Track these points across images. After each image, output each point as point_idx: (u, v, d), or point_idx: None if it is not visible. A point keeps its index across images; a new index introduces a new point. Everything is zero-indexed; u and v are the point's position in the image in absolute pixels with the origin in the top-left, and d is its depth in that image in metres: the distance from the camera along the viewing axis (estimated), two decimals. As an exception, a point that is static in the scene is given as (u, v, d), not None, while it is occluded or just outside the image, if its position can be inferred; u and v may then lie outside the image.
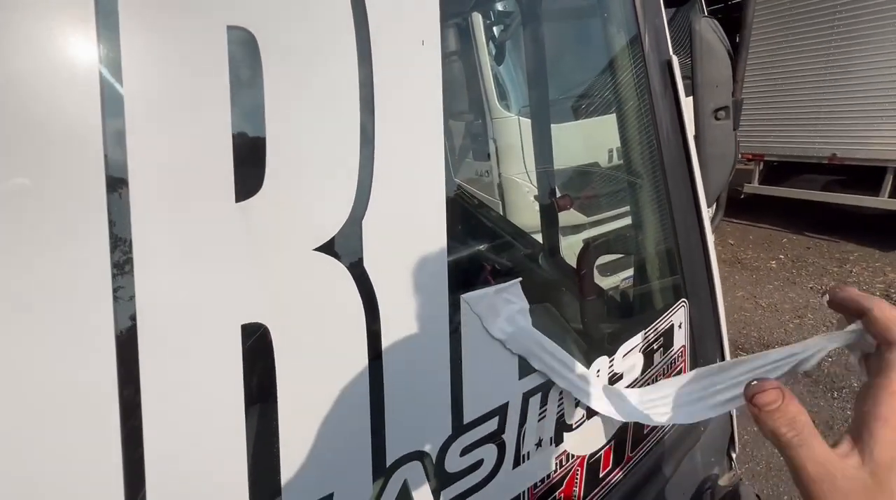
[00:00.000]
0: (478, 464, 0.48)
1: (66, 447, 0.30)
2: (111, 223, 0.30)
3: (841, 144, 4.04)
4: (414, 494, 0.44)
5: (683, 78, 0.77)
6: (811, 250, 4.19)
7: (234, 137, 0.34)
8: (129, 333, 0.32)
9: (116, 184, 0.30)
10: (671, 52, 0.65)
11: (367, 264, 0.40)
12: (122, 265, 0.31)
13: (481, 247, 0.80)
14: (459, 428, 0.46)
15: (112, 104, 0.30)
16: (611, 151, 2.30)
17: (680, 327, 0.65)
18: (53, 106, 0.28)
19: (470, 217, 0.95)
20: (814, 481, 0.27)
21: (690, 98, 0.81)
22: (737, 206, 4.89)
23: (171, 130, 0.32)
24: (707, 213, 0.74)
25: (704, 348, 0.70)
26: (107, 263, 0.30)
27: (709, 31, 0.82)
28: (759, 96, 4.58)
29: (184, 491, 0.34)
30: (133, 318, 0.32)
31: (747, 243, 4.48)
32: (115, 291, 0.31)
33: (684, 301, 0.66)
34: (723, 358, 0.74)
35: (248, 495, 0.37)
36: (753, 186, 4.81)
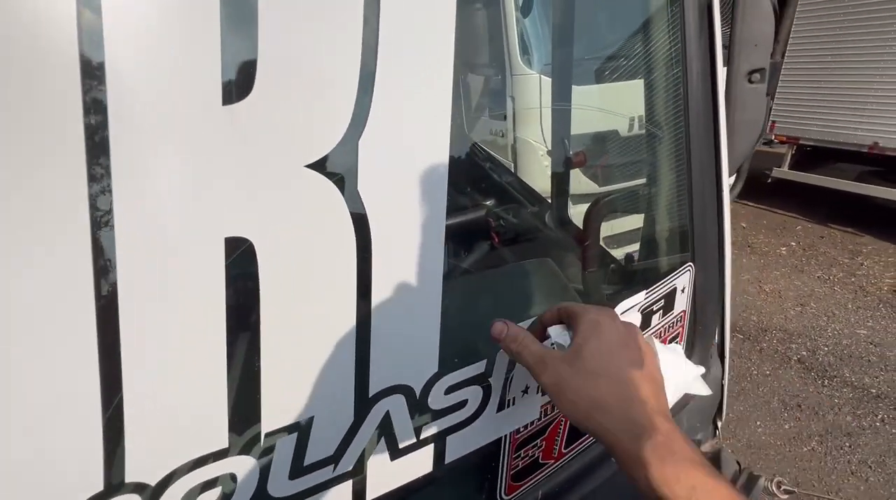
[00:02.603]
0: (462, 403, 0.47)
1: (43, 355, 0.29)
2: (87, 118, 0.28)
3: (886, 132, 3.82)
4: (395, 426, 0.44)
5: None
6: (824, 239, 4.10)
7: (222, 35, 0.31)
8: (106, 240, 0.30)
9: (92, 78, 0.27)
10: (713, -7, 0.59)
11: (361, 188, 0.38)
12: (100, 166, 0.29)
13: (483, 190, 0.78)
14: (446, 366, 0.45)
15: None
16: (632, 119, 2.20)
17: (683, 291, 0.63)
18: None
19: (477, 161, 0.92)
20: (532, 365, 0.40)
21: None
22: (761, 190, 4.72)
23: (151, 25, 0.29)
24: (727, 179, 0.70)
25: (705, 316, 0.68)
26: (83, 164, 0.28)
27: (756, -20, 0.75)
28: (803, 76, 4.30)
29: (161, 405, 0.34)
30: (110, 223, 0.30)
31: (760, 228, 4.39)
32: (91, 195, 0.29)
33: (690, 266, 0.64)
34: (723, 328, 0.73)
35: (227, 409, 0.36)
36: (783, 171, 4.59)
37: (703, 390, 0.47)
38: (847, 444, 2.12)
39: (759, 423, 2.27)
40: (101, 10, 0.27)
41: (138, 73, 0.29)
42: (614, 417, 0.36)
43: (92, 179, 0.29)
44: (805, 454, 2.10)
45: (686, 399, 0.68)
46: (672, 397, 0.43)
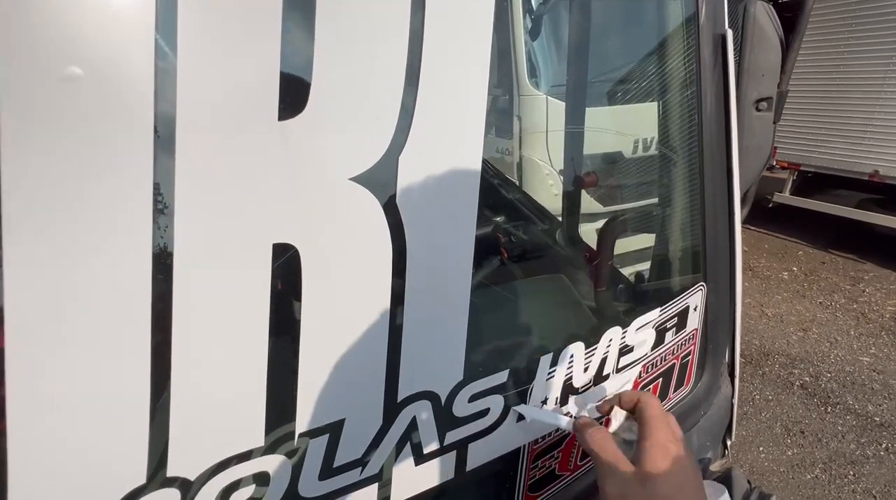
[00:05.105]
0: (484, 412, 0.49)
1: (102, 351, 0.31)
2: (156, 133, 0.30)
3: (886, 161, 3.87)
4: (421, 431, 0.45)
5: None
6: (826, 265, 4.12)
7: (282, 60, 0.33)
8: (167, 241, 0.32)
9: (164, 93, 0.30)
10: (727, 27, 0.63)
11: (399, 201, 0.40)
12: (165, 173, 0.31)
13: (500, 208, 0.80)
14: (470, 375, 0.47)
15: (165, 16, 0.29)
16: (637, 142, 2.24)
17: (695, 309, 0.65)
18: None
19: (498, 181, 0.94)
20: (602, 466, 0.42)
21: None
22: (762, 214, 4.76)
23: (221, 49, 0.31)
24: (739, 202, 0.73)
25: (716, 335, 0.70)
26: (149, 169, 0.31)
27: (763, 15, 0.78)
28: (806, 104, 4.38)
29: (205, 402, 0.35)
30: (171, 227, 0.32)
31: (761, 252, 4.42)
32: (156, 198, 0.31)
33: (702, 285, 0.65)
34: (733, 348, 0.74)
35: (265, 408, 0.38)
36: (784, 196, 4.63)
37: None
38: (851, 473, 2.10)
39: (761, 448, 2.25)
40: (176, 32, 0.30)
41: (206, 90, 0.31)
42: None
43: (157, 184, 0.31)
44: (808, 481, 2.08)
45: (697, 417, 0.69)
46: None
